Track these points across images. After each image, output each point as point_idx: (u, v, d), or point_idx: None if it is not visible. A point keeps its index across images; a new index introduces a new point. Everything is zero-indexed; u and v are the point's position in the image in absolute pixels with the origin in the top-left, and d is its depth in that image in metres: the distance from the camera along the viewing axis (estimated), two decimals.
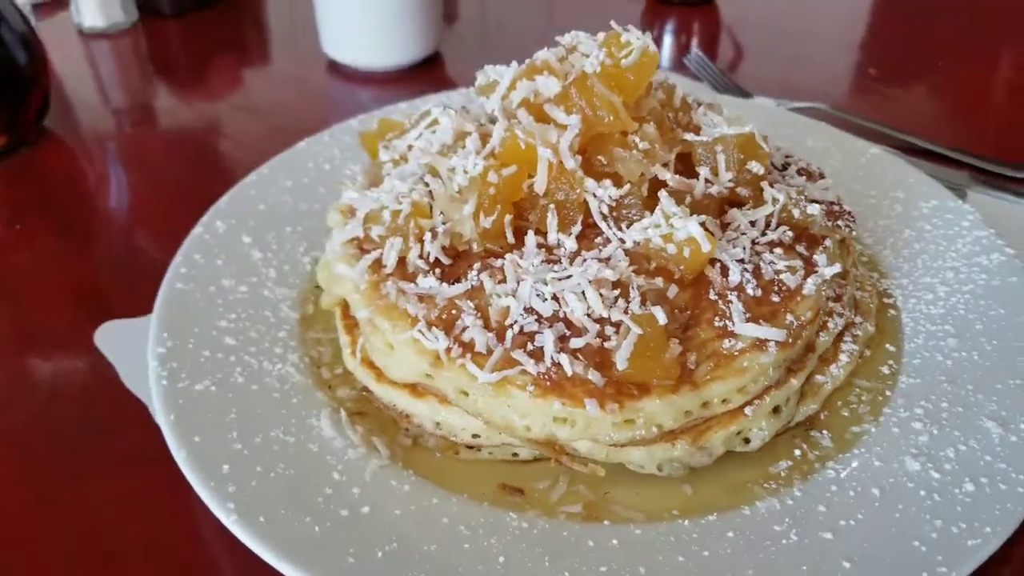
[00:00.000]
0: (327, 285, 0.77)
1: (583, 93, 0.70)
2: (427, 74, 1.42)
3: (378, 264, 0.72)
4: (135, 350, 0.82)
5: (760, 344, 0.66)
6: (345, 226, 0.77)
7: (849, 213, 0.78)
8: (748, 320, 0.66)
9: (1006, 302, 0.80)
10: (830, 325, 0.73)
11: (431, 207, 0.73)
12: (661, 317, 0.64)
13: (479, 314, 0.67)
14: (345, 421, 0.71)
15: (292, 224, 0.93)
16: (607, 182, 0.71)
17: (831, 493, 0.65)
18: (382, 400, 0.72)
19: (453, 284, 0.69)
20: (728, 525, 0.63)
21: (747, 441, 0.69)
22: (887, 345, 0.79)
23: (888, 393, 0.74)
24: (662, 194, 0.69)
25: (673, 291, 0.68)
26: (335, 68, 1.45)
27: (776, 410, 0.69)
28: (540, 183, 0.69)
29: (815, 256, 0.72)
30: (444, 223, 0.71)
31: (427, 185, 0.75)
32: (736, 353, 0.65)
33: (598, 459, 0.67)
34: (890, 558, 0.59)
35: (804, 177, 0.81)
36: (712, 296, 0.68)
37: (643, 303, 0.66)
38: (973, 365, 0.74)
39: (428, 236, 0.71)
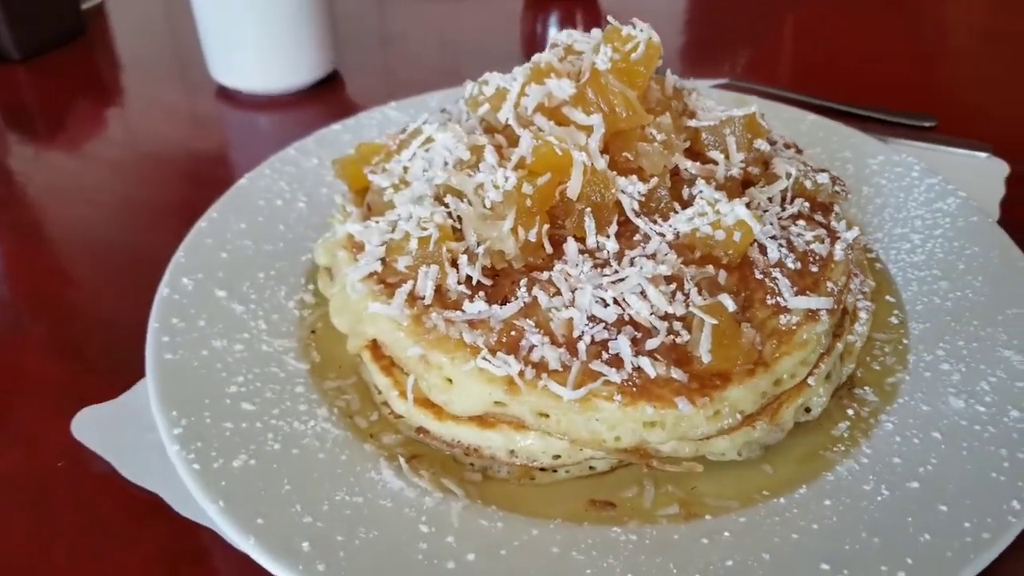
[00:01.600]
0: (350, 328, 0.72)
1: (599, 91, 0.69)
2: (326, 95, 1.35)
3: (412, 297, 0.68)
4: (128, 436, 0.73)
5: (812, 315, 0.68)
6: (356, 262, 0.72)
7: (839, 178, 0.81)
8: (797, 294, 0.68)
9: (976, 240, 0.86)
10: (852, 286, 0.76)
11: (454, 229, 0.70)
12: (729, 304, 0.64)
13: (542, 331, 0.64)
14: (407, 468, 0.66)
15: (263, 268, 0.86)
16: (633, 178, 0.70)
17: (897, 444, 0.68)
18: (442, 439, 0.68)
19: (503, 305, 0.66)
20: (822, 494, 0.64)
21: (808, 411, 0.70)
22: (887, 297, 0.83)
23: (905, 341, 0.78)
24: (700, 182, 0.69)
25: (723, 277, 0.68)
26: (226, 95, 1.35)
27: (827, 376, 0.71)
28: (574, 188, 0.68)
29: (832, 223, 0.75)
30: (479, 243, 0.68)
31: (445, 206, 0.71)
32: (794, 327, 0.67)
33: (682, 456, 0.66)
34: (977, 494, 0.62)
35: (792, 150, 0.84)
36: (758, 275, 0.69)
37: (699, 293, 0.66)
38: (970, 303, 0.80)
39: (464, 259, 0.68)
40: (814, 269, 0.70)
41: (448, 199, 0.71)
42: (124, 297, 0.91)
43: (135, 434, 0.74)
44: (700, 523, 0.63)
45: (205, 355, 0.74)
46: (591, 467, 0.68)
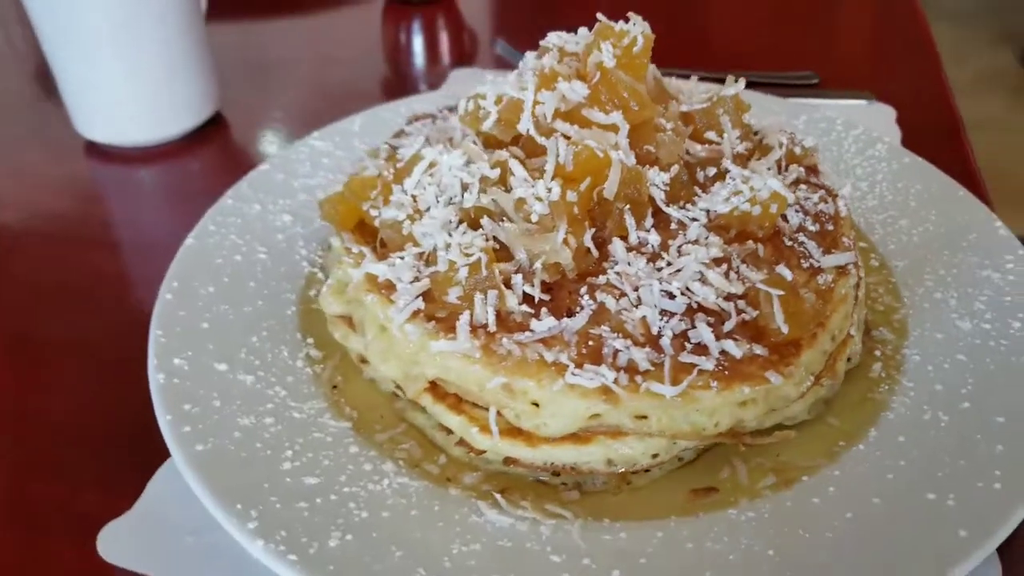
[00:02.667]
0: (404, 374, 0.68)
1: (610, 89, 0.69)
2: (210, 139, 1.25)
3: (474, 328, 0.65)
4: (165, 543, 0.66)
5: (843, 270, 0.72)
6: (392, 304, 0.68)
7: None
8: (824, 254, 0.72)
9: (915, 178, 0.95)
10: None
11: (495, 250, 0.67)
12: (787, 273, 0.66)
13: (620, 334, 0.64)
14: (506, 504, 0.64)
15: (253, 331, 0.79)
16: (655, 169, 0.71)
17: (931, 373, 0.73)
18: (535, 464, 0.66)
19: (571, 316, 0.65)
20: (892, 432, 0.68)
21: (849, 360, 0.74)
22: (860, 243, 0.90)
23: (893, 280, 0.85)
24: (727, 162, 0.71)
25: (761, 250, 0.70)
26: (98, 151, 1.22)
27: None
28: (611, 188, 0.67)
29: (824, 182, 0.79)
30: (531, 260, 0.66)
31: (478, 228, 0.68)
32: (832, 285, 0.70)
33: (765, 427, 0.68)
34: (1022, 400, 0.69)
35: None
36: (787, 243, 0.72)
37: (749, 269, 0.68)
38: (933, 234, 0.88)
39: (518, 278, 0.66)
40: (830, 227, 0.75)
41: (484, 220, 0.68)
42: (88, 396, 0.81)
43: (172, 539, 0.66)
44: (802, 486, 0.65)
45: (239, 437, 0.67)
46: (679, 459, 0.68)
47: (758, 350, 0.64)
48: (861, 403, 0.73)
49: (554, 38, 0.76)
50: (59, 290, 0.96)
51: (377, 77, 1.50)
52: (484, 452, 0.67)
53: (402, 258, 0.70)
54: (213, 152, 1.24)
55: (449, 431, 0.69)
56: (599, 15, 0.75)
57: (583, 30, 0.76)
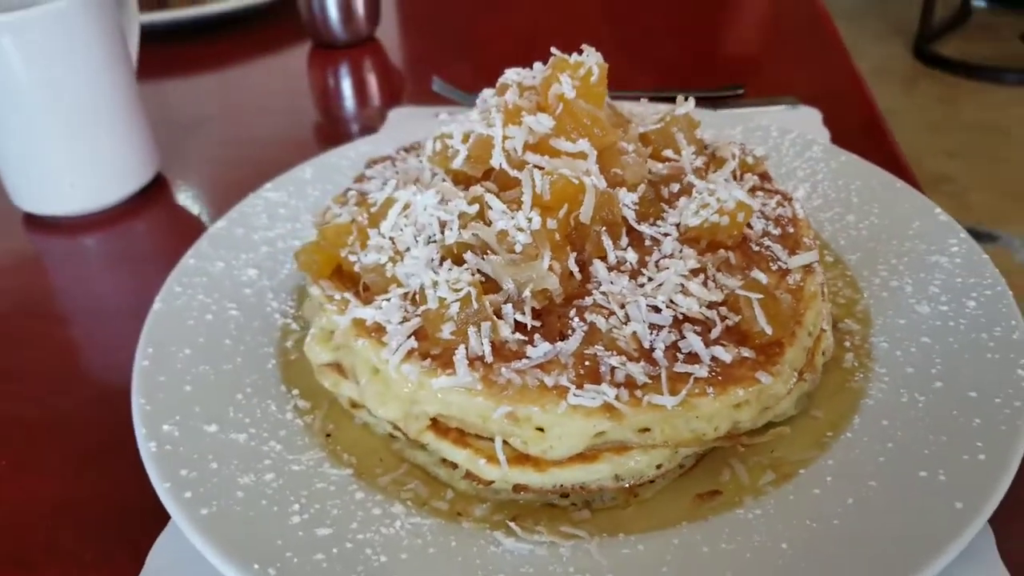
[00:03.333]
0: (404, 414, 0.68)
1: (574, 119, 0.72)
2: (153, 200, 1.23)
3: (471, 361, 0.66)
4: None
5: (809, 269, 0.75)
6: (384, 346, 0.68)
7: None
8: (790, 255, 0.75)
9: (853, 175, 1.00)
10: None
11: (482, 283, 0.68)
12: (763, 277, 0.69)
13: (614, 352, 0.66)
14: (520, 531, 0.65)
15: (236, 389, 0.78)
16: (623, 190, 0.74)
17: (900, 357, 0.77)
18: (544, 488, 0.67)
19: (564, 339, 0.66)
20: (875, 418, 0.71)
21: (823, 354, 0.78)
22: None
23: (849, 273, 0.89)
24: (691, 178, 0.74)
25: (732, 257, 0.73)
26: (37, 223, 1.18)
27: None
28: (587, 212, 0.69)
29: (778, 187, 0.83)
30: (518, 289, 0.68)
31: (461, 264, 0.69)
32: (801, 284, 0.74)
33: (758, 427, 0.70)
34: (989, 374, 0.72)
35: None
36: (755, 248, 0.75)
37: (725, 277, 0.71)
38: (879, 227, 0.93)
39: (508, 308, 0.67)
40: (790, 230, 0.78)
41: (467, 256, 0.69)
42: (74, 474, 0.79)
43: None
44: (800, 479, 0.68)
45: (242, 496, 0.67)
46: (680, 466, 0.70)
47: (746, 353, 0.66)
48: (840, 393, 0.76)
49: (512, 74, 0.79)
50: (21, 369, 0.93)
51: (311, 124, 1.50)
52: (492, 482, 0.67)
53: (388, 300, 0.71)
54: (157, 213, 1.22)
55: (453, 466, 0.70)
56: (553, 49, 0.77)
57: (538, 65, 0.78)
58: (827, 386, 0.76)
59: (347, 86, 1.60)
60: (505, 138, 0.71)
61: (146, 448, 0.70)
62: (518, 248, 0.67)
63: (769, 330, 0.67)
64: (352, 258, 0.74)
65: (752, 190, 0.81)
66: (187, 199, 1.25)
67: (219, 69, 1.66)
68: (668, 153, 0.80)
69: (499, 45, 1.68)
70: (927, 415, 0.71)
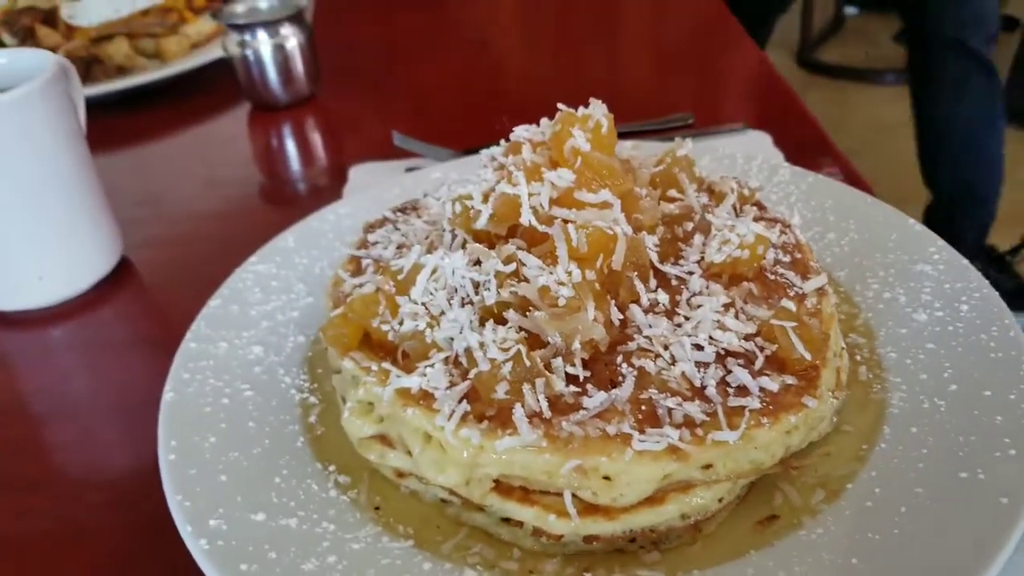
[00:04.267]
0: (464, 479, 0.68)
1: (594, 170, 0.74)
2: (119, 285, 1.18)
3: (530, 418, 0.66)
4: None
5: (822, 291, 0.79)
6: (435, 415, 0.68)
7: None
8: (803, 280, 0.79)
9: (824, 194, 1.05)
10: None
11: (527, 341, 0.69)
12: (791, 305, 0.73)
13: (667, 394, 0.67)
14: None
15: (274, 473, 0.76)
16: (643, 233, 0.76)
17: (911, 366, 0.81)
18: (615, 534, 0.67)
19: (618, 387, 0.68)
20: (903, 425, 0.75)
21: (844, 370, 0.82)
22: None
23: (842, 288, 0.93)
24: (707, 216, 0.77)
25: (754, 289, 0.77)
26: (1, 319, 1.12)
27: None
28: (619, 259, 0.71)
29: (775, 215, 0.87)
30: (565, 342, 0.69)
31: (502, 323, 0.70)
32: (819, 307, 0.78)
33: (804, 449, 0.73)
34: (995, 374, 0.77)
35: None
36: (771, 277, 0.79)
37: (753, 307, 0.74)
38: (860, 242, 0.98)
39: (557, 361, 0.68)
40: (798, 256, 0.82)
41: (508, 315, 0.70)
42: None
43: None
44: (849, 494, 0.70)
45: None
46: (737, 496, 0.72)
47: (789, 380, 0.69)
48: (865, 406, 0.79)
49: (522, 131, 0.80)
50: (22, 479, 0.88)
51: (262, 191, 1.47)
52: (562, 537, 0.68)
53: (431, 366, 0.70)
54: (124, 297, 1.17)
55: (517, 524, 0.70)
56: (559, 104, 0.79)
57: (544, 120, 0.80)
58: (851, 400, 0.80)
59: (294, 148, 1.58)
60: (531, 195, 0.73)
61: (197, 546, 0.68)
62: (561, 302, 0.68)
63: (808, 356, 0.70)
64: (384, 327, 0.73)
65: (756, 219, 0.85)
66: (152, 279, 1.21)
67: (156, 140, 1.61)
68: (672, 193, 0.83)
69: (444, 95, 1.70)
70: (951, 418, 0.75)
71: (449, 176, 1.13)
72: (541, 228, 0.72)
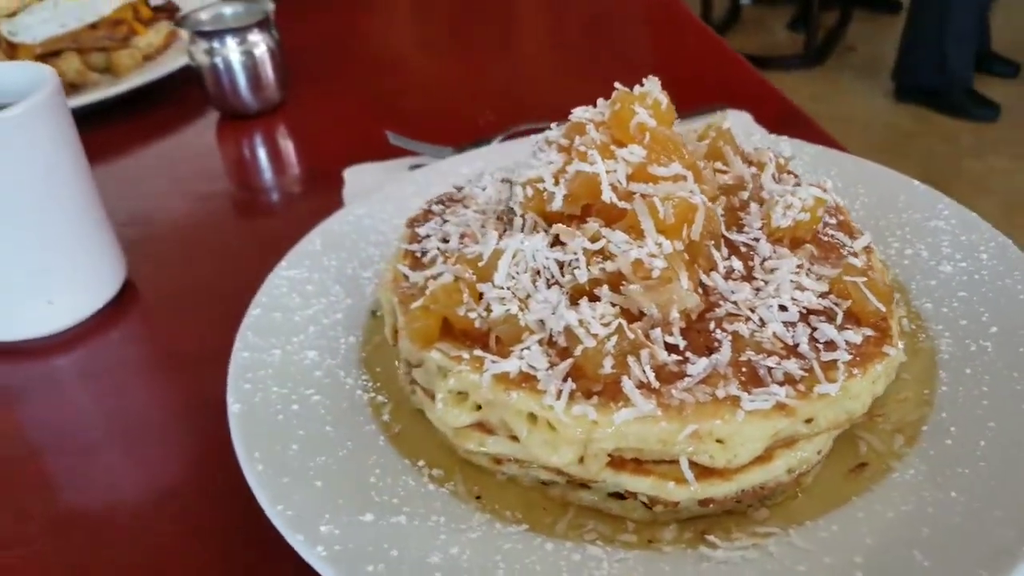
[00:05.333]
0: (577, 455, 0.69)
1: (662, 145, 0.76)
2: (124, 307, 1.13)
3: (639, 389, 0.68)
4: None
5: (869, 248, 0.84)
6: (541, 396, 0.68)
7: None
8: (851, 239, 0.83)
9: (828, 165, 1.11)
10: None
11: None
12: (856, 261, 0.77)
13: (764, 354, 0.70)
14: (721, 541, 0.68)
15: (368, 473, 0.75)
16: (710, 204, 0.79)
17: (947, 313, 0.87)
18: (729, 495, 0.69)
19: (713, 352, 0.70)
20: (959, 366, 0.80)
21: None
22: None
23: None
24: (767, 179, 0.80)
25: (814, 250, 0.80)
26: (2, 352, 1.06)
27: None
28: (697, 229, 0.74)
29: (808, 181, 0.91)
30: (662, 312, 0.70)
31: (594, 300, 0.71)
32: (870, 263, 0.82)
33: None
34: None
35: None
36: (824, 238, 0.83)
37: (817, 267, 0.78)
38: (872, 206, 1.03)
39: (656, 332, 0.70)
40: (840, 217, 0.87)
41: (600, 291, 0.71)
42: None
43: None
44: (926, 436, 0.75)
45: None
46: (818, 451, 0.75)
47: (867, 332, 0.73)
48: (915, 354, 0.84)
49: (581, 112, 0.81)
50: (72, 520, 0.84)
51: (249, 198, 1.44)
52: (678, 503, 0.69)
53: (527, 349, 0.71)
54: (131, 320, 1.13)
55: (626, 496, 0.71)
56: (616, 84, 0.81)
57: (601, 101, 0.82)
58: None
59: (272, 156, 1.54)
60: (608, 172, 0.74)
61: (314, 554, 0.66)
62: (655, 274, 0.70)
63: (882, 307, 0.74)
64: (471, 315, 0.74)
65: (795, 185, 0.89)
66: (155, 298, 1.17)
67: (123, 157, 1.54)
68: (718, 165, 0.86)
69: (417, 96, 1.69)
70: (1000, 357, 0.80)
71: (475, 166, 1.13)
72: (620, 204, 0.74)
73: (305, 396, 0.84)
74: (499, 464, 0.76)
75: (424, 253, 0.86)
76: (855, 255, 0.81)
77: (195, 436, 0.91)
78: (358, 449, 0.78)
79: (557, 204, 0.76)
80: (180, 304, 1.15)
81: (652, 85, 0.80)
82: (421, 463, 0.78)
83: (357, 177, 1.33)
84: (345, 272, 1.01)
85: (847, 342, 0.71)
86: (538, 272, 0.75)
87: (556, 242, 0.76)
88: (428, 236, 0.89)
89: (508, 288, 0.74)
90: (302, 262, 1.02)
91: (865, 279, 0.75)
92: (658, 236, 0.71)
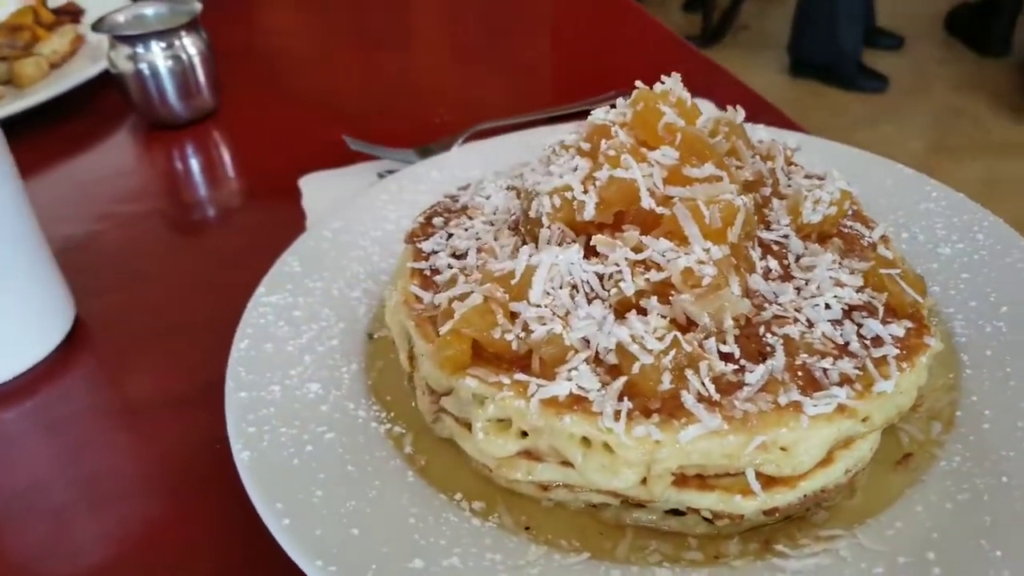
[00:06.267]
0: (645, 475, 0.65)
1: (693, 145, 0.73)
2: (74, 355, 1.02)
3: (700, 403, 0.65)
4: None
5: (885, 237, 0.83)
6: (596, 418, 0.65)
7: None
8: (867, 229, 0.83)
9: (813, 151, 1.10)
10: None
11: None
12: (887, 253, 0.76)
13: (818, 356, 0.68)
14: (791, 550, 0.66)
15: (405, 514, 0.70)
16: None
17: (956, 295, 0.88)
18: (793, 503, 0.68)
19: (766, 358, 0.68)
20: (982, 345, 0.81)
21: None
22: None
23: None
24: (792, 180, 0.78)
25: (840, 244, 0.79)
26: None
27: None
28: (737, 230, 0.71)
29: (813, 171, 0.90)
30: (714, 322, 0.68)
31: (641, 313, 0.68)
32: (890, 252, 0.81)
33: None
34: None
35: None
36: (845, 230, 0.82)
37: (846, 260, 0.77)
38: (862, 194, 1.02)
39: (710, 342, 0.67)
40: (855, 208, 0.86)
41: (647, 303, 0.68)
42: None
43: None
44: (963, 420, 0.75)
45: None
46: (871, 449, 0.74)
47: (907, 324, 0.72)
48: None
49: (601, 114, 0.77)
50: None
51: (190, 215, 1.33)
52: (743, 516, 0.67)
53: (574, 369, 0.67)
54: (86, 362, 1.02)
55: (679, 513, 0.69)
56: (637, 82, 0.77)
57: (620, 101, 0.78)
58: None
59: (209, 167, 1.43)
60: (646, 177, 0.71)
61: None
62: (705, 281, 0.67)
63: (920, 298, 0.73)
64: (508, 337, 0.69)
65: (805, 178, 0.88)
66: (107, 337, 1.06)
67: (38, 176, 1.41)
68: (733, 161, 0.83)
69: (364, 97, 1.61)
70: (1017, 336, 0.82)
71: (449, 171, 1.08)
72: (659, 209, 0.70)
73: (317, 434, 0.77)
74: (545, 491, 0.71)
75: (435, 271, 0.81)
76: (873, 246, 0.81)
77: (187, 493, 0.82)
78: (388, 488, 0.72)
79: (589, 213, 0.72)
80: (139, 340, 1.05)
81: (673, 82, 0.77)
82: (459, 496, 0.73)
83: (316, 186, 1.25)
84: (331, 294, 0.94)
85: (892, 336, 0.70)
86: (574, 287, 0.71)
87: (588, 254, 0.72)
88: (435, 252, 0.83)
89: (545, 306, 0.70)
90: (283, 286, 0.94)
91: (899, 270, 0.74)
92: (704, 241, 0.68)
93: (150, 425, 0.91)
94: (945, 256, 0.93)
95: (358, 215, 1.05)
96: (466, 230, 0.84)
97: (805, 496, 0.68)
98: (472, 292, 0.71)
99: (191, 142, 1.47)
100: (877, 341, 0.70)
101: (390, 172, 1.18)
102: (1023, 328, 0.82)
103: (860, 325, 0.71)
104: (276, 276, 0.95)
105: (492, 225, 0.84)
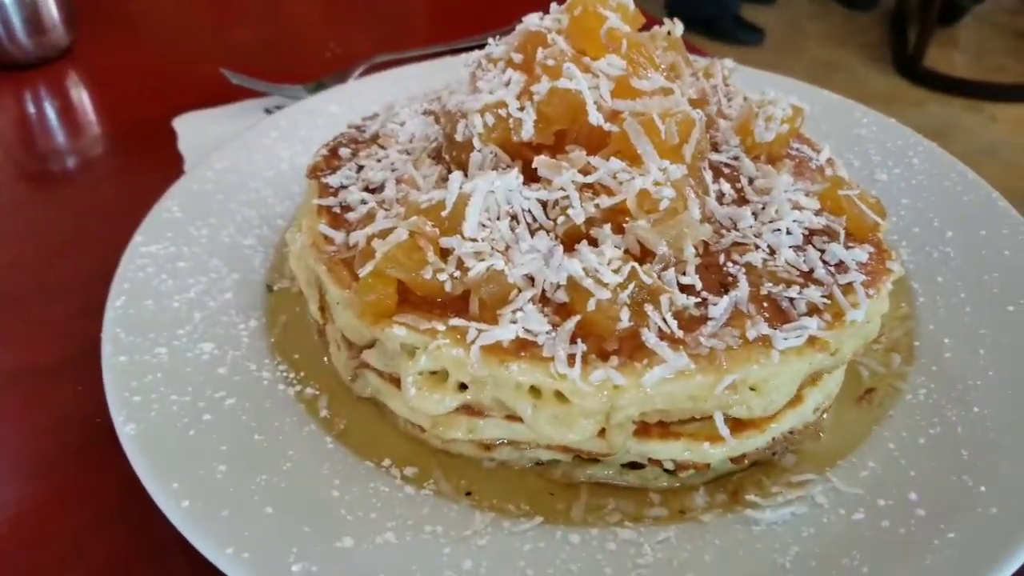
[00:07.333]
0: (603, 425, 0.58)
1: (642, 53, 0.65)
2: None
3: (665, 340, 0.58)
4: None
5: (832, 161, 0.78)
6: (547, 364, 0.56)
7: None
8: (813, 151, 0.77)
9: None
10: None
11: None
12: (844, 173, 0.71)
13: (783, 284, 0.62)
14: (762, 500, 0.60)
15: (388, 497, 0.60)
16: None
17: (907, 212, 0.84)
18: (761, 448, 0.62)
19: (731, 289, 0.61)
20: (946, 284, 0.78)
21: None
22: None
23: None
24: (735, 99, 0.71)
25: (791, 165, 0.73)
26: None
27: None
28: (692, 146, 0.63)
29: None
30: (672, 250, 0.60)
31: (592, 244, 0.60)
32: (840, 175, 0.76)
33: None
34: None
35: None
36: (794, 153, 0.76)
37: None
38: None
39: (669, 275, 0.60)
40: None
41: (599, 232, 0.60)
42: None
43: None
44: (922, 351, 0.72)
45: None
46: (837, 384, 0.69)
47: (869, 248, 0.67)
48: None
49: (535, 19, 0.68)
50: None
51: (60, 167, 1.16)
52: (709, 465, 0.61)
53: (519, 310, 0.58)
54: None
55: (637, 466, 0.62)
56: None
57: (554, 6, 0.69)
58: None
59: (61, 111, 1.25)
60: (613, 82, 0.62)
61: None
62: (663, 204, 0.59)
63: (880, 219, 0.68)
64: (440, 277, 0.59)
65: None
66: None
67: None
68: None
69: (243, 29, 1.45)
70: (964, 262, 0.79)
71: (348, 103, 0.96)
72: (606, 126, 0.62)
73: (215, 401, 0.66)
74: (488, 450, 0.63)
75: (346, 207, 0.70)
76: (821, 169, 0.75)
77: (61, 478, 0.69)
78: (304, 458, 0.62)
79: (527, 132, 0.63)
80: (4, 308, 0.89)
81: None
82: (387, 462, 0.63)
83: (193, 127, 1.11)
84: (221, 241, 0.82)
85: (856, 262, 0.65)
86: (515, 217, 0.62)
87: (528, 179, 0.63)
88: (344, 187, 0.72)
89: (483, 240, 0.60)
90: (163, 234, 0.81)
91: (858, 191, 0.68)
92: (660, 160, 0.60)
93: (10, 401, 0.77)
94: (883, 182, 0.89)
95: (246, 154, 0.92)
96: (379, 160, 0.73)
97: (774, 439, 0.62)
98: (395, 227, 0.61)
99: (44, 83, 1.28)
100: (841, 267, 0.64)
101: (279, 109, 1.05)
102: (970, 252, 0.79)
103: (823, 251, 0.65)
104: (154, 223, 0.82)
105: (409, 154, 0.73)
